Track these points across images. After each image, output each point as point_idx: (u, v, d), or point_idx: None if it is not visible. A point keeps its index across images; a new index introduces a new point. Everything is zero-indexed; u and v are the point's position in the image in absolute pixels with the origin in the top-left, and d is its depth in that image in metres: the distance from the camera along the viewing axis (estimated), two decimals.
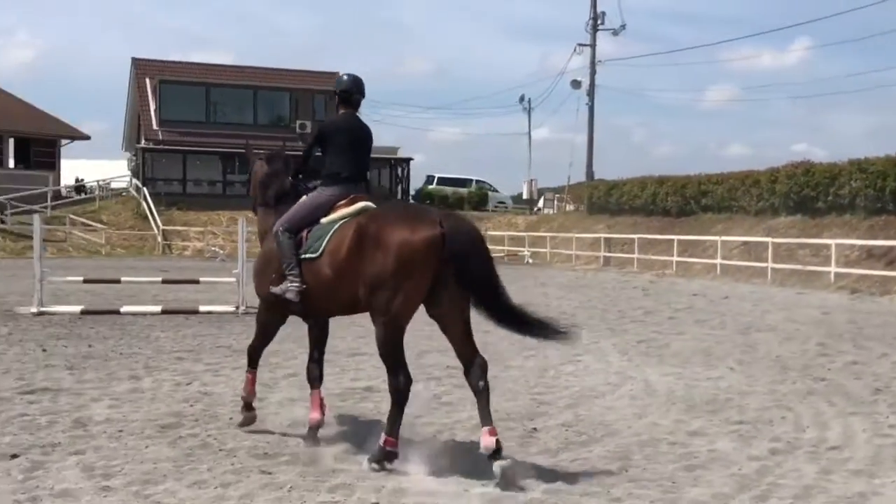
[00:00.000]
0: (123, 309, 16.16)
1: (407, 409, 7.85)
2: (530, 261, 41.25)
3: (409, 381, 6.31)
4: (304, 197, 7.13)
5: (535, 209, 58.50)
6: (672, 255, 32.85)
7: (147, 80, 52.40)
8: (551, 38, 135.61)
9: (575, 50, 51.21)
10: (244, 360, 10.43)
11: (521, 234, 47.44)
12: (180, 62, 54.88)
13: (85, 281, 18.44)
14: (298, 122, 52.86)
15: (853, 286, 23.78)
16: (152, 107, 51.51)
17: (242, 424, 7.33)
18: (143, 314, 15.82)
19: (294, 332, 13.49)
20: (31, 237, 41.03)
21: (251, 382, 7.48)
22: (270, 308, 7.28)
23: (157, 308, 16.37)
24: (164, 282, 17.58)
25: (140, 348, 11.92)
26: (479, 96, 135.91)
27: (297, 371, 10.19)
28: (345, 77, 7.39)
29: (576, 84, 50.95)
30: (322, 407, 7.11)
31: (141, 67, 53.47)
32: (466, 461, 6.42)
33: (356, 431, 7.29)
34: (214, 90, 52.22)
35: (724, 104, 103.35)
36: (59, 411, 7.79)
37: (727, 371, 10.74)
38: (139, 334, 13.34)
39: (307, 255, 6.68)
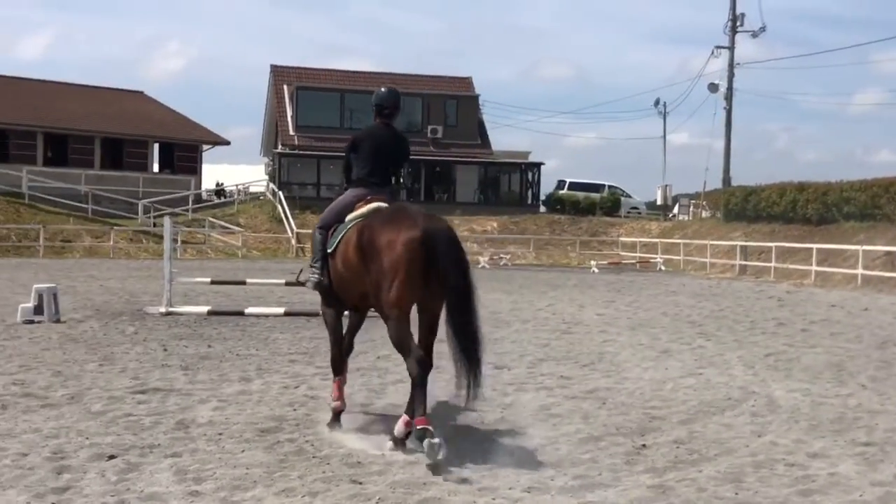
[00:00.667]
0: (248, 310, 16.43)
1: (511, 418, 7.69)
2: (662, 268, 40.35)
3: (423, 364, 6.74)
4: (338, 197, 7.76)
5: (671, 215, 57.25)
6: (811, 265, 31.54)
7: (285, 87, 53.65)
8: (689, 41, 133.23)
9: (713, 53, 49.94)
10: (359, 363, 10.48)
11: (654, 240, 46.50)
12: (316, 69, 55.96)
13: (212, 282, 18.87)
14: (430, 128, 53.23)
15: None
16: (289, 112, 52.70)
17: (333, 430, 7.33)
18: (266, 316, 16.03)
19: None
20: (173, 239, 42.73)
21: (337, 389, 7.58)
22: (324, 301, 7.81)
23: (281, 310, 16.57)
24: (286, 284, 17.73)
25: (257, 350, 12.04)
26: (613, 100, 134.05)
27: (405, 377, 10.09)
28: (382, 90, 7.98)
29: (713, 87, 49.65)
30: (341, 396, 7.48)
31: (279, 74, 54.81)
32: (567, 477, 6.15)
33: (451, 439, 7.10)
34: (349, 96, 52.99)
35: (873, 108, 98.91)
36: (166, 412, 7.86)
37: (858, 388, 10.10)
38: (259, 336, 13.50)
39: (329, 250, 7.34)
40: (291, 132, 51.97)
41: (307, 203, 48.69)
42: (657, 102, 59.20)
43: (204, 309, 16.57)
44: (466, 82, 57.22)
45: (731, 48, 49.15)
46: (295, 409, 8.13)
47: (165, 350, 11.68)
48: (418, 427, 6.48)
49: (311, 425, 7.53)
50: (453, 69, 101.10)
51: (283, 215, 46.28)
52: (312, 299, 19.52)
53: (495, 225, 50.01)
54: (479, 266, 39.77)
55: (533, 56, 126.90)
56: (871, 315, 19.48)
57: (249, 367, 10.57)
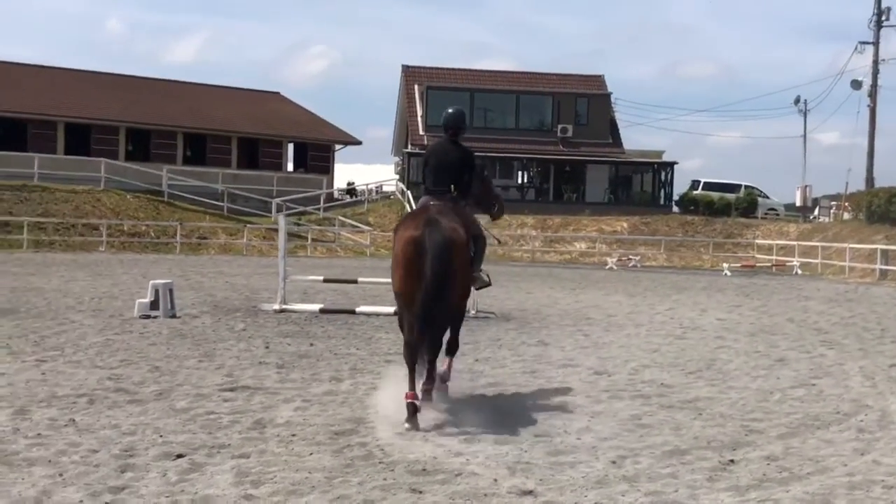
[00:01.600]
0: (359, 309, 16.50)
1: (596, 427, 7.43)
2: (799, 271, 38.83)
3: (409, 347, 7.85)
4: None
5: (811, 217, 55.14)
6: None
7: (415, 87, 54.05)
8: (835, 37, 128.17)
9: (856, 48, 47.87)
10: (455, 364, 10.33)
11: (792, 242, 44.84)
12: (447, 68, 56.16)
13: (324, 280, 19.04)
14: (560, 126, 52.73)
15: None
16: (419, 112, 53.07)
17: (410, 429, 7.38)
18: (377, 314, 16.06)
19: (503, 337, 13.27)
20: (303, 237, 43.64)
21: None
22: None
23: (391, 309, 16.55)
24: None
25: (357, 349, 12.04)
26: (752, 97, 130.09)
27: (499, 381, 9.89)
28: (449, 111, 9.17)
29: (856, 84, 47.64)
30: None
31: (410, 74, 55.27)
32: (640, 493, 5.84)
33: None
34: (479, 95, 53.01)
35: None
36: (247, 411, 7.87)
37: None
38: (363, 335, 13.52)
39: None
40: (421, 132, 52.31)
41: None
42: (797, 100, 57.21)
43: (316, 307, 16.73)
44: (598, 80, 56.44)
45: (876, 43, 47.03)
46: (377, 411, 8.02)
47: (267, 347, 11.79)
48: (406, 401, 7.54)
49: (389, 428, 7.40)
50: (594, 69, 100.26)
51: None
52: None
53: (625, 225, 49.13)
54: (607, 267, 39.17)
55: (676, 54, 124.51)
56: None
57: (344, 366, 10.55)
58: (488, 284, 9.37)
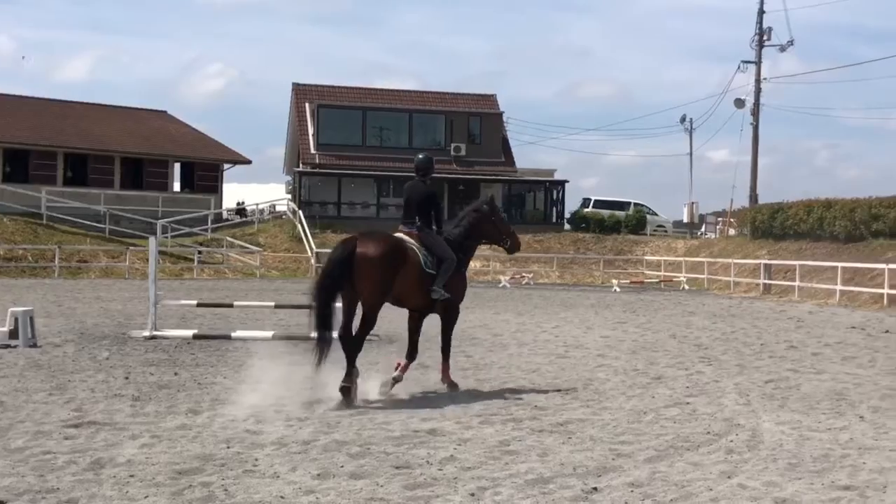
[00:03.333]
0: (235, 334, 15.92)
1: (461, 456, 7.16)
2: (686, 287, 39.45)
3: (339, 336, 10.00)
4: None
5: (698, 233, 56.31)
6: (836, 284, 30.56)
7: (306, 105, 53.43)
8: (719, 56, 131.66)
9: (739, 68, 49.08)
10: (322, 393, 9.93)
11: (679, 258, 45.62)
12: (339, 86, 55.63)
13: (198, 305, 18.35)
14: (454, 145, 52.73)
15: None
16: (310, 131, 52.46)
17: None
18: (254, 339, 15.50)
19: (382, 361, 12.79)
20: (190, 259, 42.53)
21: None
22: None
23: (269, 333, 16.05)
24: (276, 307, 17.28)
25: (225, 377, 11.51)
26: (640, 116, 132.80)
27: (368, 408, 9.50)
28: (419, 157, 11.19)
29: (739, 103, 48.77)
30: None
31: (301, 92, 54.59)
32: None
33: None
34: (371, 114, 52.71)
35: None
36: (88, 449, 7.31)
37: (856, 420, 9.37)
38: (235, 362, 12.97)
39: None
40: (313, 150, 51.70)
41: (328, 222, 48.36)
42: (683, 119, 58.42)
43: (190, 332, 16.08)
44: (490, 100, 56.68)
45: (758, 63, 48.30)
46: (229, 447, 7.55)
47: (127, 378, 11.15)
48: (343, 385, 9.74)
49: (237, 466, 6.95)
50: (496, 90, 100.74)
51: (302, 234, 45.91)
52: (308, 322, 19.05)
53: None
54: (500, 285, 39.13)
55: (574, 75, 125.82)
56: (891, 338, 18.62)
57: (206, 397, 10.03)
58: (446, 297, 10.50)
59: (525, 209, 55.26)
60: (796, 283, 32.86)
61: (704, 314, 24.53)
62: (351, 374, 9.80)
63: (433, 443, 7.92)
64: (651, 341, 17.04)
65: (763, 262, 37.15)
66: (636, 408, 9.88)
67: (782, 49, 48.53)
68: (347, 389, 9.67)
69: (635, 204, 56.29)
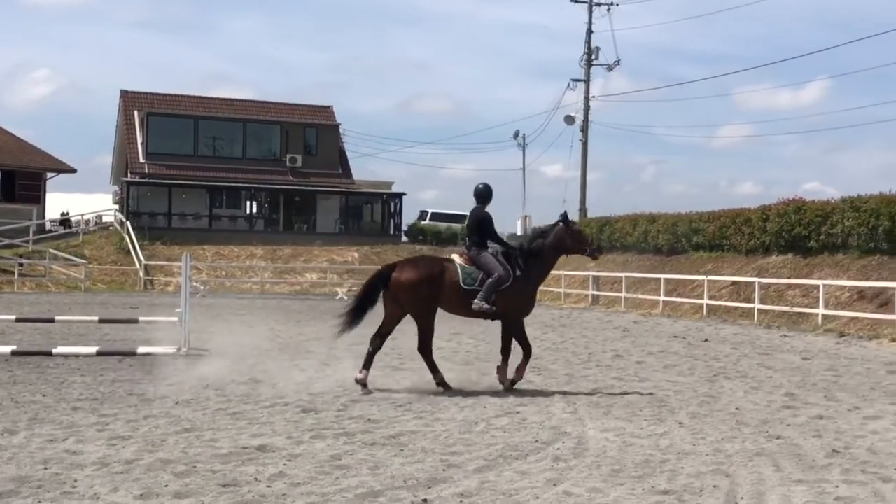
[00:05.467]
0: (56, 350, 15.26)
1: (291, 472, 7.06)
2: None
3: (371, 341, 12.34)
4: None
5: None
6: (660, 295, 31.85)
7: (135, 113, 51.85)
8: (553, 74, 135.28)
9: (569, 86, 50.53)
10: (149, 410, 9.64)
11: None
12: (170, 94, 54.21)
13: (17, 320, 17.47)
14: (289, 156, 52.24)
15: (842, 329, 22.76)
16: (139, 139, 50.93)
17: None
18: (76, 356, 14.89)
19: (212, 376, 12.48)
20: (10, 272, 40.49)
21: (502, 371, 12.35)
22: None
23: (93, 349, 15.45)
24: (100, 321, 16.66)
25: (44, 395, 10.99)
26: (477, 131, 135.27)
27: (197, 426, 9.26)
28: (479, 185, 12.38)
29: (569, 120, 50.22)
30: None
31: (129, 99, 52.92)
32: None
33: None
34: (204, 122, 51.63)
35: (736, 142, 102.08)
36: None
37: (675, 426, 9.75)
38: (56, 379, 12.41)
39: None
40: (141, 160, 50.20)
41: (158, 233, 47.03)
42: (516, 134, 59.63)
43: (9, 349, 15.29)
44: (327, 111, 56.43)
45: (587, 81, 49.88)
46: (46, 468, 7.21)
47: None
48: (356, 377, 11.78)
49: (55, 487, 6.64)
50: (335, 101, 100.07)
51: (130, 246, 44.45)
52: (135, 337, 18.47)
53: (356, 255, 49.24)
54: (338, 298, 38.91)
55: (414, 88, 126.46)
56: (710, 346, 19.52)
57: (23, 416, 9.54)
58: (487, 309, 11.83)
59: (362, 221, 55.26)
60: (622, 294, 34.07)
61: (536, 325, 25.04)
62: (436, 371, 12.19)
63: (262, 459, 7.78)
64: (484, 352, 17.27)
65: (592, 273, 38.32)
66: (468, 418, 10.00)
67: (609, 68, 50.33)
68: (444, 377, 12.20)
69: None
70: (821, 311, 24.05)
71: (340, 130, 56.01)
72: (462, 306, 11.99)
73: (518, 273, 12.00)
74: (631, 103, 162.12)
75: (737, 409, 10.98)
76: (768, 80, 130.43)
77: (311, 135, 53.59)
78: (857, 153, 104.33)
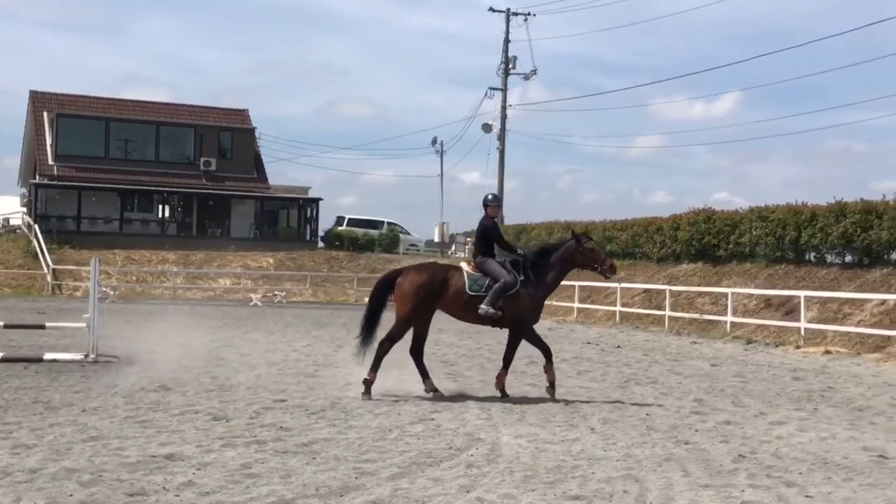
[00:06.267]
0: None
1: (200, 480, 6.95)
2: None
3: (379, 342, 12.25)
4: None
5: (449, 252, 57.77)
6: (574, 302, 32.22)
7: (45, 114, 50.57)
8: (470, 81, 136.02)
9: (486, 94, 50.82)
10: (54, 418, 9.39)
11: None
12: (81, 95, 52.94)
13: None
14: (203, 160, 51.50)
15: (749, 336, 23.31)
16: (48, 141, 49.66)
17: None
18: None
19: (121, 383, 12.22)
20: None
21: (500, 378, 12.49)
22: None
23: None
24: (5, 326, 16.17)
25: None
26: (402, 136, 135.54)
27: (104, 434, 9.05)
28: (488, 196, 12.54)
29: (487, 128, 50.48)
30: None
31: (39, 100, 51.57)
32: None
33: None
34: (115, 124, 50.59)
35: (649, 152, 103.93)
36: None
37: (587, 432, 9.87)
38: None
39: None
40: (50, 161, 48.95)
41: (67, 237, 45.87)
42: (434, 141, 59.74)
43: None
44: (243, 115, 55.80)
45: (504, 90, 50.22)
46: None
47: None
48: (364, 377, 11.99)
49: None
50: (253, 105, 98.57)
51: (38, 250, 43.29)
52: (41, 343, 18.01)
53: (271, 261, 48.75)
54: (252, 304, 38.49)
55: (334, 93, 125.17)
56: (622, 352, 19.81)
57: None
58: (492, 314, 11.98)
59: (278, 226, 54.76)
60: None
61: (453, 331, 25.03)
62: (425, 376, 12.44)
63: (171, 468, 7.64)
64: (400, 359, 17.20)
65: None
66: (382, 425, 9.96)
67: (526, 77, 50.72)
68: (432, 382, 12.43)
69: (389, 223, 57.07)
70: (729, 318, 24.60)
71: (256, 134, 55.42)
72: (468, 311, 12.18)
73: (525, 280, 12.11)
74: (548, 113, 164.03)
75: (647, 414, 11.17)
76: (682, 92, 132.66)
77: (227, 138, 52.90)
78: (766, 164, 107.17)
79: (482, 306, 11.94)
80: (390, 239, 55.07)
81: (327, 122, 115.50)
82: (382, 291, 12.44)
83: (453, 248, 59.18)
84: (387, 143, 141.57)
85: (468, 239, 56.86)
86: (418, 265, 13.03)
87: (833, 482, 7.71)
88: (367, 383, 11.91)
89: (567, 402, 12.04)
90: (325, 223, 55.96)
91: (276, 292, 42.37)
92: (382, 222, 57.03)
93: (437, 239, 56.38)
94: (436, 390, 12.13)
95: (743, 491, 7.35)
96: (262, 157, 55.88)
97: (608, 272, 12.65)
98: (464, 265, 12.52)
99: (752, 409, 11.73)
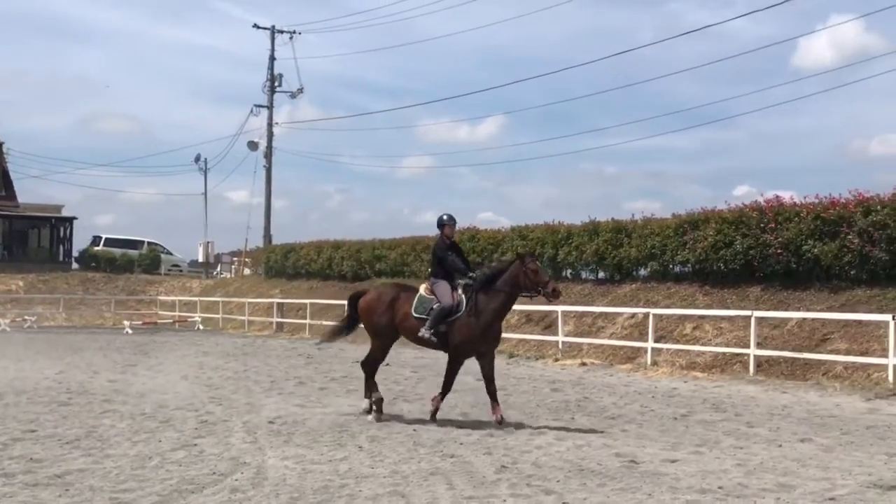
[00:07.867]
0: None
1: None
2: (201, 327, 39.25)
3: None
4: None
5: (214, 272, 56.45)
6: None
7: None
8: (234, 98, 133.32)
9: (252, 111, 50.10)
10: None
11: (195, 298, 45.37)
12: None
13: None
14: None
15: (512, 350, 24.08)
16: None
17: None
18: None
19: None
20: None
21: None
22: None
23: None
24: None
25: None
26: (163, 153, 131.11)
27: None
28: (443, 216, 12.44)
29: (252, 145, 49.72)
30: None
31: None
32: None
33: None
34: None
35: (418, 172, 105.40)
36: None
37: (355, 450, 9.86)
38: None
39: None
40: None
41: None
42: (197, 158, 58.22)
43: None
44: None
45: (270, 107, 49.73)
46: None
47: None
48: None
49: None
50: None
51: None
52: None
53: (21, 283, 46.05)
54: (0, 329, 36.08)
55: (91, 107, 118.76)
56: (390, 370, 19.89)
57: None
58: (428, 339, 11.89)
59: (28, 247, 51.78)
60: (307, 321, 34.16)
61: (218, 354, 24.54)
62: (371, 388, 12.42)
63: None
64: (162, 384, 16.66)
65: (276, 300, 38.18)
66: (141, 453, 9.56)
67: (293, 95, 50.40)
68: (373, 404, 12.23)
69: (149, 243, 55.17)
70: None
71: (4, 150, 52.16)
72: (412, 333, 12.11)
73: (469, 307, 11.78)
74: (318, 132, 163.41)
75: (414, 430, 11.29)
76: (447, 114, 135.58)
77: None
78: (526, 186, 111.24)
79: (422, 329, 11.83)
80: (151, 259, 53.29)
81: (84, 137, 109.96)
82: (351, 311, 12.92)
83: (219, 268, 57.89)
84: (149, 160, 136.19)
85: (234, 259, 55.87)
86: (378, 286, 13.84)
87: (588, 488, 8.06)
88: (378, 402, 12.17)
89: (335, 421, 11.99)
90: (80, 243, 53.47)
91: (27, 317, 39.95)
92: (143, 242, 55.07)
93: (201, 259, 54.86)
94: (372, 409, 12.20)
95: (504, 501, 7.55)
96: (11, 173, 52.68)
97: (551, 296, 11.85)
98: (422, 287, 12.34)
99: (513, 421, 12.09)
